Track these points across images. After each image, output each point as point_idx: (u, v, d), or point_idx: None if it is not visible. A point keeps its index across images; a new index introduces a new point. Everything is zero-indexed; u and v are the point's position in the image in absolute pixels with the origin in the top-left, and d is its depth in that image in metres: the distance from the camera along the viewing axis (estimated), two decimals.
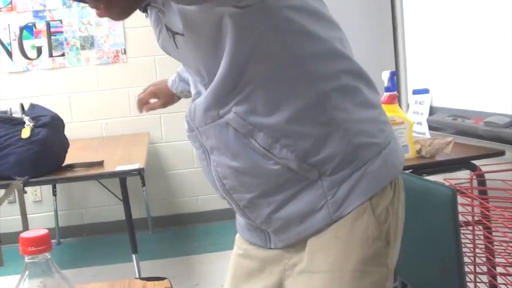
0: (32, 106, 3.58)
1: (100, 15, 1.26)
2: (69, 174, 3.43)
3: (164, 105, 2.09)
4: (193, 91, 1.47)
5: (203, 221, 5.42)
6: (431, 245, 2.00)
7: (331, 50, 1.33)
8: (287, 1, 1.27)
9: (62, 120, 3.59)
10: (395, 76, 2.73)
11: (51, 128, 3.42)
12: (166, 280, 1.57)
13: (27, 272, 0.93)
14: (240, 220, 1.57)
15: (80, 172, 3.46)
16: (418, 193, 1.96)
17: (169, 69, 5.14)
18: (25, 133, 3.32)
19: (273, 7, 1.25)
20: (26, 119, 3.40)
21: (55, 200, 5.24)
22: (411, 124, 2.73)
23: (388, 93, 2.69)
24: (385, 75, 2.73)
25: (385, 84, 2.72)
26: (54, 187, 5.19)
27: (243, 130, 1.31)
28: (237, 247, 1.62)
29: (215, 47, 1.28)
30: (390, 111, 2.69)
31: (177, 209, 5.52)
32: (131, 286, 1.56)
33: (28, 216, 5.18)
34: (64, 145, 3.55)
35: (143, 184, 5.25)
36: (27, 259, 0.93)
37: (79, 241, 5.32)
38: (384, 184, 1.36)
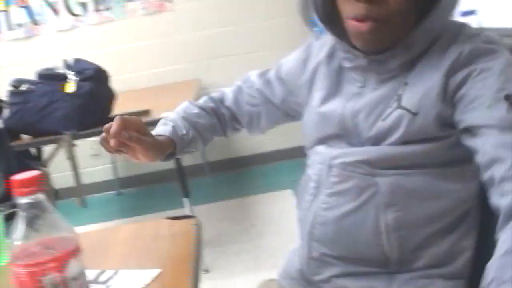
0: (76, 60, 3.63)
1: (358, 29, 1.23)
2: None
3: (141, 143, 1.38)
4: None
5: (259, 163, 5.44)
6: None
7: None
8: None
9: (106, 72, 3.62)
10: None
11: (95, 81, 3.46)
12: (194, 218, 1.58)
13: (21, 213, 0.95)
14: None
15: None
16: None
17: (217, 12, 5.21)
18: (71, 87, 3.38)
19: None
20: (70, 74, 3.45)
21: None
22: None
23: None
24: None
25: None
26: None
27: (385, 199, 1.28)
28: None
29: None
30: None
31: (232, 153, 5.55)
32: (159, 227, 1.58)
33: (87, 169, 5.34)
34: (110, 96, 3.59)
35: None
36: (20, 200, 0.95)
37: (139, 191, 5.43)
38: None
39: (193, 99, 3.96)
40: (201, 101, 1.71)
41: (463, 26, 1.29)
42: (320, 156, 1.40)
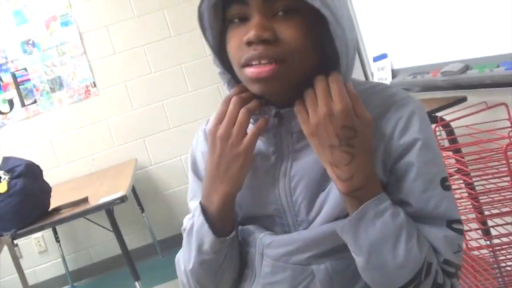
0: (5, 159, 3.56)
1: (258, 74, 1.09)
2: (55, 217, 3.40)
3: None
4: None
5: None
6: None
7: None
8: None
9: (38, 166, 3.57)
10: None
11: (27, 177, 3.40)
12: None
13: None
14: None
15: (66, 213, 3.42)
16: None
17: (140, 92, 5.20)
18: (3, 187, 3.30)
19: None
20: (1, 173, 3.38)
21: (60, 246, 5.20)
22: None
23: None
24: None
25: None
26: (55, 234, 5.15)
27: (323, 287, 1.16)
28: None
29: None
30: None
31: (179, 228, 5.46)
32: None
33: (37, 267, 5.22)
34: (45, 190, 3.53)
35: (142, 210, 5.22)
36: None
37: (93, 281, 5.28)
38: None
39: (132, 179, 3.94)
40: None
41: (388, 90, 1.21)
42: (251, 240, 1.29)
